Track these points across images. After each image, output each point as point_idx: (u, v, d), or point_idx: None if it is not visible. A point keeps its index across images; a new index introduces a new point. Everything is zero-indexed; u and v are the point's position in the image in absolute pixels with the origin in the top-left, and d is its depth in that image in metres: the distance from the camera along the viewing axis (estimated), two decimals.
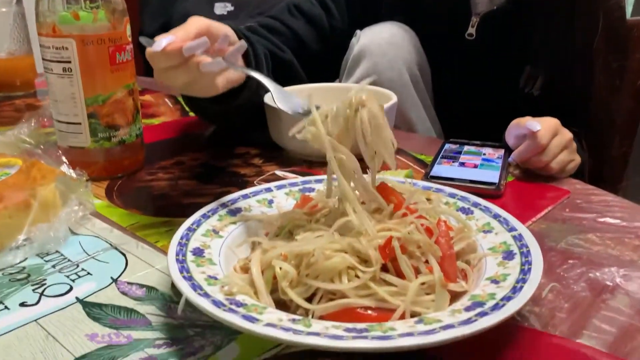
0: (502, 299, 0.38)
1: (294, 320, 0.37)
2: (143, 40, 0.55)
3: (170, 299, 0.46)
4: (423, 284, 0.41)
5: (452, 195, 0.55)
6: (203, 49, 0.51)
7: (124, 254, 0.53)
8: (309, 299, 0.41)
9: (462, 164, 0.72)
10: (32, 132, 0.70)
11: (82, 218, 0.59)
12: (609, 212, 0.61)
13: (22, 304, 0.45)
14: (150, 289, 0.47)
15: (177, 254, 0.44)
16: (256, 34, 0.85)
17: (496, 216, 0.51)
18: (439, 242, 0.44)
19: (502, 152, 0.76)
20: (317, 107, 0.48)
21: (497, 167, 0.71)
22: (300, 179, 0.60)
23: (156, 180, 0.70)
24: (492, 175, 0.68)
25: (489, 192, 0.64)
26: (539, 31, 0.90)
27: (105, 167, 0.69)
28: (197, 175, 0.72)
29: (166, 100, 1.11)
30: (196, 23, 0.54)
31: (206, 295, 0.39)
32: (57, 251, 0.53)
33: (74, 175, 0.61)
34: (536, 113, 0.74)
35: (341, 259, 0.41)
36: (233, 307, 0.38)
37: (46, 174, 0.58)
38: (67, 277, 0.49)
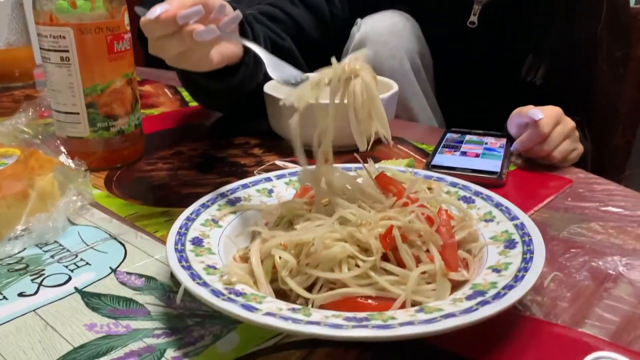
0: (503, 288, 0.38)
1: (293, 310, 0.37)
2: (138, 10, 0.54)
3: (169, 288, 0.46)
4: (424, 273, 0.41)
5: (454, 185, 0.55)
6: (197, 17, 0.50)
7: (122, 244, 0.53)
8: (309, 289, 0.41)
9: (464, 153, 0.72)
10: (30, 122, 0.69)
11: (81, 208, 0.58)
12: (612, 201, 0.61)
13: (21, 294, 0.45)
14: (149, 278, 0.47)
15: (176, 243, 0.44)
16: (256, 21, 0.84)
17: (498, 205, 0.50)
18: (440, 231, 0.44)
19: (504, 141, 0.76)
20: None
21: (499, 156, 0.70)
22: (300, 168, 0.59)
23: (155, 171, 0.70)
24: (494, 165, 0.67)
25: (490, 181, 0.64)
26: (541, 19, 0.89)
27: (104, 157, 0.69)
28: (196, 165, 0.72)
29: (166, 90, 1.10)
30: None
31: (205, 284, 0.39)
32: (55, 241, 0.53)
33: (72, 165, 0.60)
34: (538, 102, 0.73)
35: (341, 248, 0.41)
36: (232, 296, 0.38)
37: (44, 164, 0.58)
38: (66, 267, 0.49)
